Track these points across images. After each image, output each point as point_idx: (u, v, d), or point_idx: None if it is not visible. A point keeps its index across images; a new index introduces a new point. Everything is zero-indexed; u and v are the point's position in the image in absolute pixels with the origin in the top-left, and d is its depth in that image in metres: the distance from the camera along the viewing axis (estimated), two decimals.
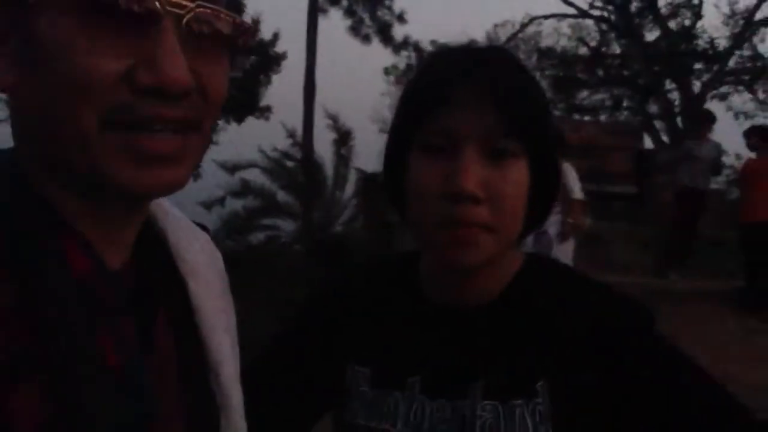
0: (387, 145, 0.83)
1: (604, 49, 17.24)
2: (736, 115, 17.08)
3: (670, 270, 7.75)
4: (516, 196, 0.75)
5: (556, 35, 17.87)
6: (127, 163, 0.47)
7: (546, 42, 17.87)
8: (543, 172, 0.77)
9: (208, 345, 0.60)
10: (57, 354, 0.46)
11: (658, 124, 17.39)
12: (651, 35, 16.87)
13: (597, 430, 0.76)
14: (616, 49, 17.43)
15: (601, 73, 17.51)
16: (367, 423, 0.82)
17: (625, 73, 17.39)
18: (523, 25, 17.06)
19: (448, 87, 0.74)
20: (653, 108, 17.28)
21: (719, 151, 7.77)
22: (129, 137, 0.47)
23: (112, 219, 0.53)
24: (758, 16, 16.34)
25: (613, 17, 16.40)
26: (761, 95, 17.57)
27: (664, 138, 16.63)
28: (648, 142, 17.39)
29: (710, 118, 8.02)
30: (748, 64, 17.05)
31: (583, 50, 17.63)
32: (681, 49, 16.29)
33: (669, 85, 16.99)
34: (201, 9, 0.48)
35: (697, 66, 16.85)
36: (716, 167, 7.71)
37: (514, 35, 16.74)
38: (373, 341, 0.85)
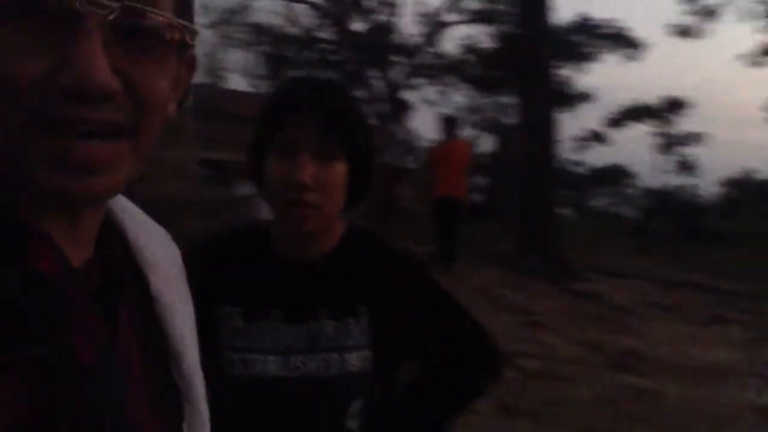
0: (251, 144, 1.17)
1: (315, 33, 18.32)
2: (427, 104, 19.81)
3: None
4: (337, 185, 1.12)
5: (271, 15, 18.34)
6: (53, 170, 0.46)
7: (263, 20, 18.29)
8: (358, 169, 1.15)
9: (170, 335, 0.62)
10: (31, 354, 0.45)
11: (365, 108, 19.06)
12: (358, 26, 18.38)
13: (400, 338, 1.19)
14: (327, 35, 18.60)
15: (311, 55, 18.64)
16: (245, 345, 1.14)
17: (334, 58, 18.73)
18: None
19: (290, 110, 1.11)
20: (360, 93, 18.88)
21: (413, 134, 8.85)
22: (54, 143, 0.45)
23: (71, 218, 0.52)
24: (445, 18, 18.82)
25: (324, 4, 17.40)
26: (444, 87, 20.68)
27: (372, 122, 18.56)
28: None
29: (405, 106, 9.15)
30: (436, 60, 19.59)
31: (295, 31, 18.40)
32: (380, 42, 18.28)
33: (373, 73, 18.73)
34: (127, 8, 0.46)
35: (395, 58, 18.95)
36: (411, 149, 8.74)
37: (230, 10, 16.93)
38: (241, 287, 1.18)
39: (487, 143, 18.76)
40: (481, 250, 9.11)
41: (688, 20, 18.54)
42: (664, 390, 4.69)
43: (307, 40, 18.35)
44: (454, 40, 29.97)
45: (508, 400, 4.10)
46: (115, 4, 0.45)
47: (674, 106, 31.10)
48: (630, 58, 21.45)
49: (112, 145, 0.47)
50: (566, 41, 19.41)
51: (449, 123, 8.36)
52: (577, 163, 32.64)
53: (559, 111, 12.20)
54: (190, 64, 0.58)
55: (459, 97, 21.02)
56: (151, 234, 0.65)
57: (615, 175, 34.59)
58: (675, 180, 31.63)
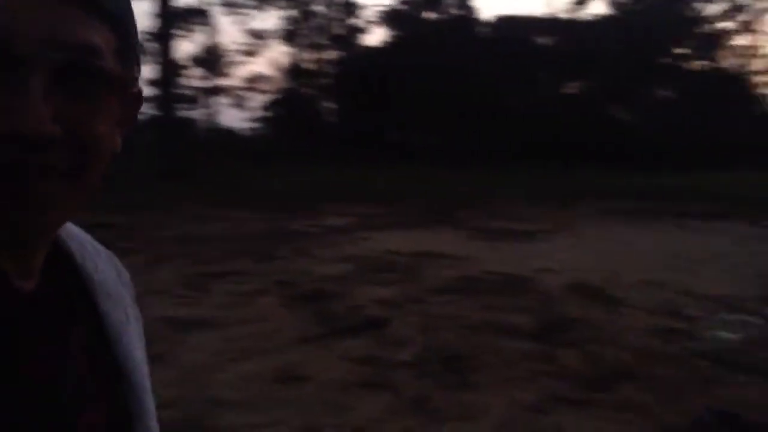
0: None
1: None
2: None
3: None
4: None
5: None
6: (3, 207, 0.47)
7: None
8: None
9: (120, 355, 0.63)
10: None
11: None
12: None
13: None
14: None
15: None
16: None
17: None
18: None
19: None
20: None
21: None
22: (3, 184, 0.46)
23: (19, 249, 0.53)
24: None
25: None
26: None
27: None
28: None
29: None
30: None
31: None
32: None
33: None
34: (70, 56, 0.47)
35: None
36: None
37: None
38: None
39: None
40: None
41: None
42: None
43: None
44: None
45: None
46: (58, 54, 0.46)
47: None
48: None
49: (57, 184, 0.48)
50: None
51: None
52: None
53: None
54: (136, 100, 0.59)
55: None
56: (98, 258, 0.66)
57: None
58: None
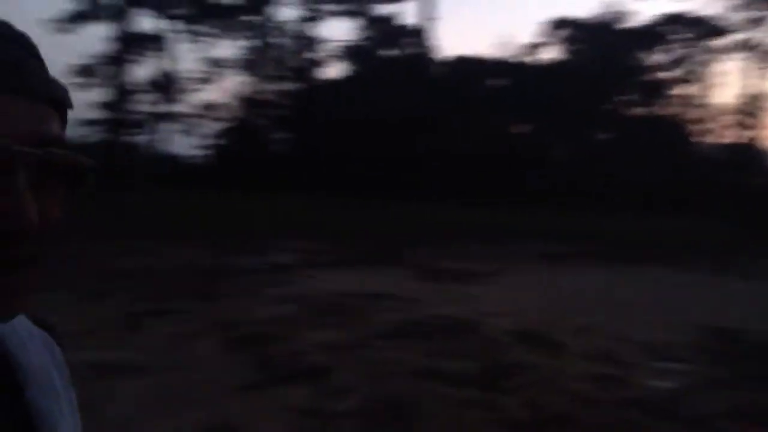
0: None
1: None
2: None
3: None
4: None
5: None
6: None
7: None
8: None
9: None
10: None
11: None
12: None
13: None
14: None
15: None
16: None
17: None
18: None
19: None
20: None
21: None
22: None
23: None
24: None
25: None
26: None
27: None
28: None
29: None
30: None
31: None
32: None
33: None
34: (48, 152, 0.49)
35: None
36: None
37: None
38: None
39: None
40: None
41: None
42: None
43: None
44: None
45: None
46: (40, 151, 0.48)
47: None
48: None
49: (21, 273, 0.49)
50: None
51: None
52: None
53: None
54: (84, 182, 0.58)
55: None
56: (30, 342, 0.64)
57: None
58: None
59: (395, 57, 32.31)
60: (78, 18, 24.44)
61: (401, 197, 23.20)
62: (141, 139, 31.44)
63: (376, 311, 7.49)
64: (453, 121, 28.35)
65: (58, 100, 0.53)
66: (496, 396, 4.81)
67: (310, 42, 32.70)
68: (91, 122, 24.43)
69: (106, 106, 20.60)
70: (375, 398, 4.69)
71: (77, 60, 30.42)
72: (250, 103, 32.11)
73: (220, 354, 5.57)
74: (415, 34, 32.51)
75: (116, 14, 20.90)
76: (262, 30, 31.53)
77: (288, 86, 32.33)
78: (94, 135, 24.10)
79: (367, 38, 33.04)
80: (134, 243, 11.68)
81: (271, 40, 32.33)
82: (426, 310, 7.62)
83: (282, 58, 32.71)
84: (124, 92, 22.79)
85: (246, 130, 31.23)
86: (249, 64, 32.14)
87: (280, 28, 32.15)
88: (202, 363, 5.28)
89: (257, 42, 31.88)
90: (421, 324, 6.97)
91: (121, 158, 22.02)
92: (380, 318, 7.16)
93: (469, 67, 31.42)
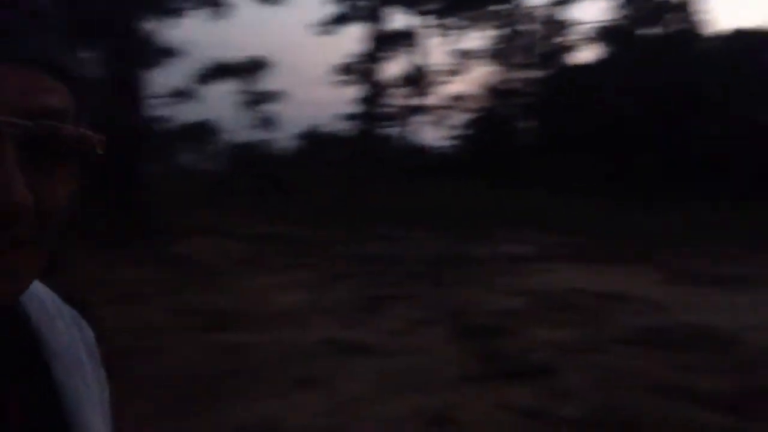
0: None
1: None
2: None
3: None
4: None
5: None
6: None
7: None
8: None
9: (75, 424, 0.60)
10: None
11: None
12: None
13: None
14: None
15: None
16: None
17: None
18: None
19: None
20: None
21: None
22: None
23: None
24: None
25: None
26: None
27: None
28: None
29: None
30: None
31: None
32: None
33: None
34: (40, 126, 0.46)
35: None
36: None
37: None
38: None
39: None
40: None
41: None
42: (253, 341, 5.12)
43: None
44: None
45: None
46: (30, 123, 0.45)
47: (257, 65, 32.64)
48: (217, 16, 22.40)
49: (23, 253, 0.48)
50: None
51: None
52: (166, 120, 32.90)
53: (146, 66, 12.09)
54: (95, 160, 0.56)
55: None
56: (59, 320, 0.64)
57: (202, 131, 35.51)
58: (257, 135, 33.29)
59: (657, 35, 29.62)
60: (338, 20, 26.74)
61: (662, 196, 20.98)
62: (393, 131, 33.50)
63: (615, 313, 6.94)
64: (730, 106, 24.99)
65: (59, 67, 0.49)
66: (749, 425, 4.14)
67: (560, 26, 31.53)
68: (350, 117, 26.68)
69: (362, 101, 22.21)
70: (603, 408, 4.34)
71: (339, 60, 33.53)
72: (496, 92, 32.08)
73: (447, 343, 5.65)
74: (681, 8, 29.42)
75: (371, 14, 22.34)
76: (511, 18, 31.24)
77: (536, 73, 31.63)
78: (352, 129, 26.17)
79: (625, 17, 30.78)
80: (379, 229, 12.34)
81: (520, 27, 31.87)
82: (674, 317, 6.85)
83: (531, 44, 32.07)
84: (378, 87, 24.39)
85: (492, 120, 31.27)
86: (496, 54, 32.10)
87: (529, 14, 31.54)
88: (428, 350, 5.40)
89: (505, 30, 31.68)
90: (666, 332, 6.28)
91: (374, 150, 23.60)
92: (618, 321, 6.62)
93: (749, 40, 27.44)
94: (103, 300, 5.95)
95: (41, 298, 0.64)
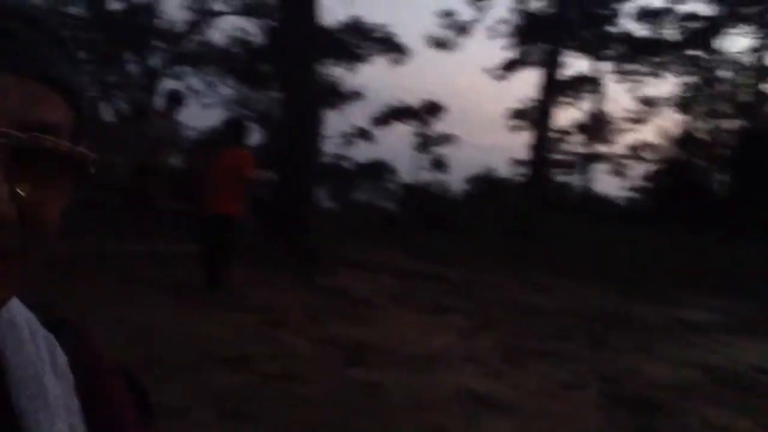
0: None
1: (63, 8, 16.89)
2: (192, 93, 18.39)
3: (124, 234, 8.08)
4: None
5: None
6: None
7: None
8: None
9: None
10: None
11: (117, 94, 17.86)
12: (114, 4, 17.34)
13: None
14: (77, 11, 17.22)
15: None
16: None
17: (85, 37, 17.10)
18: None
19: None
20: (113, 78, 17.44)
21: (179, 128, 8.49)
22: None
23: None
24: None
25: None
26: (209, 78, 19.81)
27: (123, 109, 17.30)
28: (107, 113, 17.72)
29: (178, 99, 8.50)
30: (201, 49, 18.71)
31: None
32: (139, 24, 16.99)
33: (129, 56, 17.14)
34: (31, 137, 0.46)
35: (156, 43, 17.49)
36: (175, 143, 8.46)
37: None
38: None
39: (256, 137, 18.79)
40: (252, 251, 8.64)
41: (445, 33, 23.35)
42: (391, 381, 4.96)
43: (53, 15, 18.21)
44: (222, 30, 30.44)
45: (234, 404, 4.02)
46: (23, 135, 0.45)
47: (432, 109, 34.65)
48: (396, 62, 23.73)
49: (4, 265, 0.47)
50: (337, 41, 20.18)
51: (234, 129, 7.10)
52: (344, 158, 35.85)
53: (327, 107, 13.16)
54: (87, 177, 0.55)
55: (226, 89, 20.76)
56: (25, 344, 0.60)
57: (378, 170, 38.05)
58: (430, 176, 35.50)
59: None
60: (514, 65, 26.58)
61: None
62: (569, 178, 32.38)
63: None
64: None
65: (63, 83, 0.48)
66: None
67: (763, 73, 28.55)
68: (523, 162, 26.26)
69: (536, 146, 21.82)
70: None
71: (514, 104, 33.41)
72: (685, 142, 29.67)
73: (595, 410, 5.13)
74: None
75: (549, 59, 21.95)
76: (704, 64, 28.90)
77: (732, 124, 28.84)
78: (524, 174, 25.80)
79: None
80: (540, 277, 11.78)
81: (714, 74, 29.36)
82: None
83: (726, 92, 29.36)
84: (554, 133, 23.84)
85: (679, 170, 28.90)
86: (686, 101, 29.80)
87: (726, 60, 28.97)
88: (572, 416, 4.94)
89: (697, 77, 29.38)
90: None
91: (546, 196, 22.95)
92: None
93: None
94: (251, 321, 6.17)
95: (15, 321, 0.61)
